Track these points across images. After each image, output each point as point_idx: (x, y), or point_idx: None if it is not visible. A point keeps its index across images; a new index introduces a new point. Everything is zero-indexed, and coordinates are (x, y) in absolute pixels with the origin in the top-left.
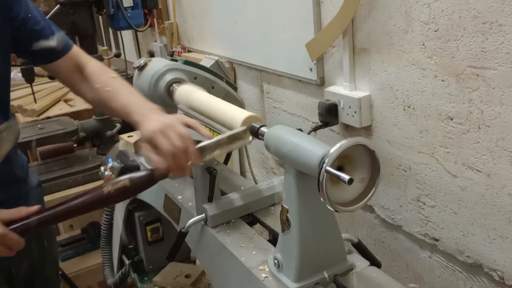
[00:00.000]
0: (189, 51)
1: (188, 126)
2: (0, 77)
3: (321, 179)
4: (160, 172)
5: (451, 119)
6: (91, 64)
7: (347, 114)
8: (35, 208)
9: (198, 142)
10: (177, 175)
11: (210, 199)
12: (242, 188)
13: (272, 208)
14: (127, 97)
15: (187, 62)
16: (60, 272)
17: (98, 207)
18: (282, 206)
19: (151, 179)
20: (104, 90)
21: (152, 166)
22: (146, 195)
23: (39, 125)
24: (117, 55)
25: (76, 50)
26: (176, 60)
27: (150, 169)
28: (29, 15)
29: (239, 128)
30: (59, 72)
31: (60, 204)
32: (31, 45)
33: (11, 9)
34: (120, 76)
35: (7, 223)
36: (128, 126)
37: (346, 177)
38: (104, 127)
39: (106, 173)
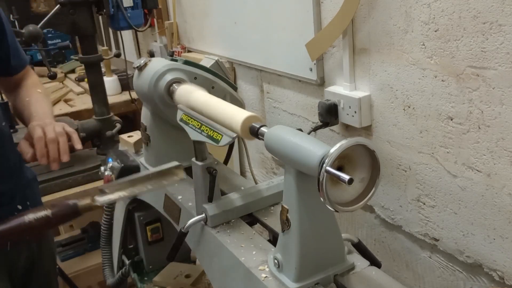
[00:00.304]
0: (189, 51)
1: (66, 132)
2: None
3: (321, 179)
4: (84, 205)
5: (451, 119)
6: (30, 79)
7: (347, 114)
8: None
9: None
10: (47, 165)
11: (210, 199)
12: (242, 188)
13: (272, 208)
14: (37, 108)
15: (187, 62)
16: (57, 266)
17: (20, 237)
18: (282, 206)
19: (74, 211)
20: (24, 100)
21: (20, 151)
22: (146, 195)
23: None
24: (117, 55)
25: (26, 69)
26: (176, 60)
27: (74, 202)
28: (7, 28)
29: (171, 164)
30: (5, 84)
31: None
32: (4, 56)
33: None
34: (46, 94)
35: None
36: (128, 126)
37: (346, 177)
38: (104, 127)
39: (106, 173)
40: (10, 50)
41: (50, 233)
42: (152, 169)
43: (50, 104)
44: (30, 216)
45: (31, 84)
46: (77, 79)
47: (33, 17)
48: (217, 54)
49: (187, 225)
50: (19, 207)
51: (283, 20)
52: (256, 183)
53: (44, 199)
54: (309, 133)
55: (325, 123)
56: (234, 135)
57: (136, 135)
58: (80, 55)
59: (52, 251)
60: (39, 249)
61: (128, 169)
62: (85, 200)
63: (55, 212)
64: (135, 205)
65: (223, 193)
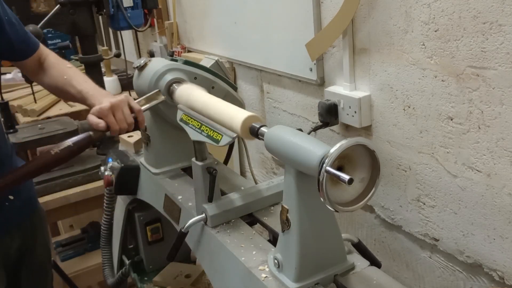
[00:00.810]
0: (189, 51)
1: (130, 107)
2: None
3: (321, 179)
4: (97, 134)
5: (451, 119)
6: (50, 57)
7: (347, 114)
8: None
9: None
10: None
11: (210, 199)
12: (242, 188)
13: (272, 208)
14: (82, 84)
15: (187, 62)
16: (52, 259)
17: (50, 168)
18: (282, 206)
19: (90, 140)
20: (61, 78)
21: (93, 125)
22: (146, 195)
23: (39, 125)
24: (117, 55)
25: (41, 47)
26: (176, 60)
27: (89, 132)
28: (6, 17)
29: (154, 91)
30: (26, 67)
31: (15, 170)
32: (5, 45)
33: None
34: (75, 67)
35: None
36: None
37: (346, 177)
38: None
39: (106, 173)
40: (12, 36)
41: (46, 224)
42: (139, 98)
43: (86, 76)
44: (55, 149)
45: (56, 61)
46: None
47: (33, 17)
48: (217, 54)
49: (187, 225)
50: (11, 197)
51: (283, 20)
52: (256, 183)
53: (44, 198)
54: (309, 133)
55: (325, 123)
56: (234, 135)
57: (136, 135)
58: (80, 55)
59: (46, 242)
60: (33, 239)
61: (128, 169)
62: (96, 132)
63: (75, 142)
64: (135, 205)
65: (223, 193)
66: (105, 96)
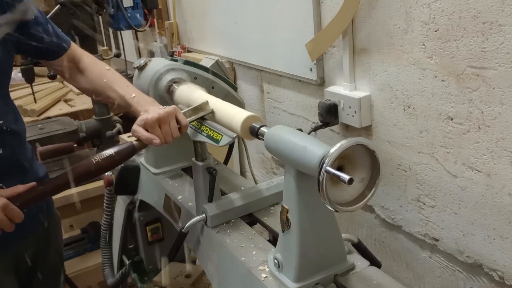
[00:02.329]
0: (189, 51)
1: (177, 120)
2: (4, 68)
3: (321, 179)
4: (140, 145)
5: (451, 119)
6: (84, 57)
7: (347, 114)
8: (31, 184)
9: None
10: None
11: (210, 199)
12: (242, 188)
13: (272, 208)
14: (124, 89)
15: (187, 62)
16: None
17: (90, 177)
18: (282, 206)
19: (132, 150)
20: (100, 81)
21: (145, 141)
22: (146, 195)
23: (39, 125)
24: (117, 55)
25: (73, 46)
26: (176, 60)
27: (132, 142)
28: (33, 16)
29: (202, 102)
30: (60, 67)
31: (55, 178)
32: (33, 45)
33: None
34: (113, 69)
35: (7, 198)
36: (128, 126)
37: (346, 177)
38: (104, 127)
39: (106, 173)
40: (39, 35)
41: (59, 229)
42: (186, 108)
43: (126, 79)
44: (96, 157)
45: (93, 62)
46: None
47: None
48: (217, 54)
49: (187, 225)
50: None
51: (283, 20)
52: (256, 183)
53: None
54: (309, 133)
55: (325, 123)
56: (234, 135)
57: None
58: None
59: (59, 247)
60: (46, 244)
61: (128, 169)
62: (139, 142)
63: (117, 151)
64: (135, 205)
65: (223, 193)
66: (151, 103)
